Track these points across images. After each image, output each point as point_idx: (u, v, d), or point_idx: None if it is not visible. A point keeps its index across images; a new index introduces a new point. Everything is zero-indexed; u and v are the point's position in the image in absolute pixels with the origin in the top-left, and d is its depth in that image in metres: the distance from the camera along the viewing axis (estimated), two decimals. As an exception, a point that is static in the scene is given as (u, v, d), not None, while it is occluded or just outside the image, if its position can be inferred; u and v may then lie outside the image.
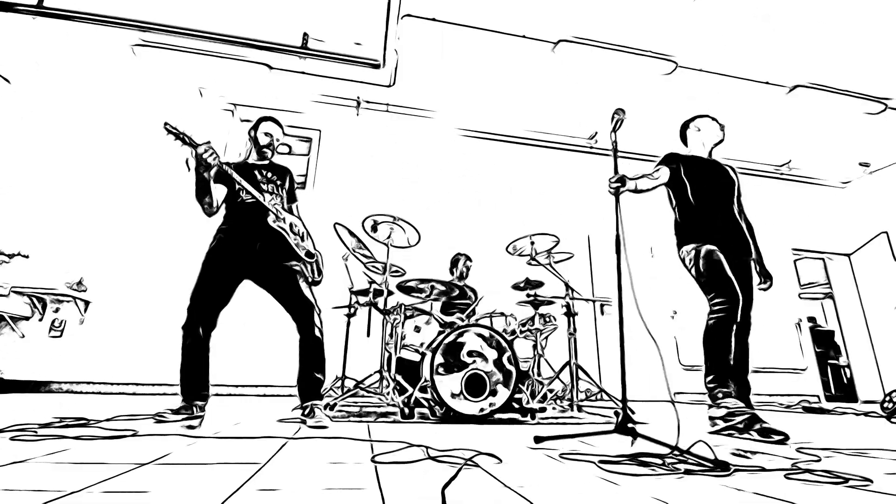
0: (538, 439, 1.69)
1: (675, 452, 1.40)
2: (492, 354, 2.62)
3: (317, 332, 2.28)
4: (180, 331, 2.17)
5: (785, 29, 4.23)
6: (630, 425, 1.61)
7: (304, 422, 2.15)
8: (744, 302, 2.27)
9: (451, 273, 4.25)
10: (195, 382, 2.18)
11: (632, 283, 1.79)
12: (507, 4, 4.12)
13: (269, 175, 2.46)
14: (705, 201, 2.44)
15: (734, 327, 2.18)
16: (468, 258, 4.25)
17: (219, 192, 2.27)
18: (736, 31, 4.29)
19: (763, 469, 1.32)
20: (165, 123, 2.05)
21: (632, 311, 1.77)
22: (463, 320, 2.96)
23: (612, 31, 4.36)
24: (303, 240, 2.44)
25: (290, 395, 2.42)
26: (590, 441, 1.83)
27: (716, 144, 2.64)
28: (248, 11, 4.15)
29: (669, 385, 1.85)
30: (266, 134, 2.48)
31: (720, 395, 2.16)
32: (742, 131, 5.85)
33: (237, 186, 2.28)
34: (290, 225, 2.39)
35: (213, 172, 2.14)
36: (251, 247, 2.29)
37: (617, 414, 1.58)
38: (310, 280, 2.41)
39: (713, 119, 2.67)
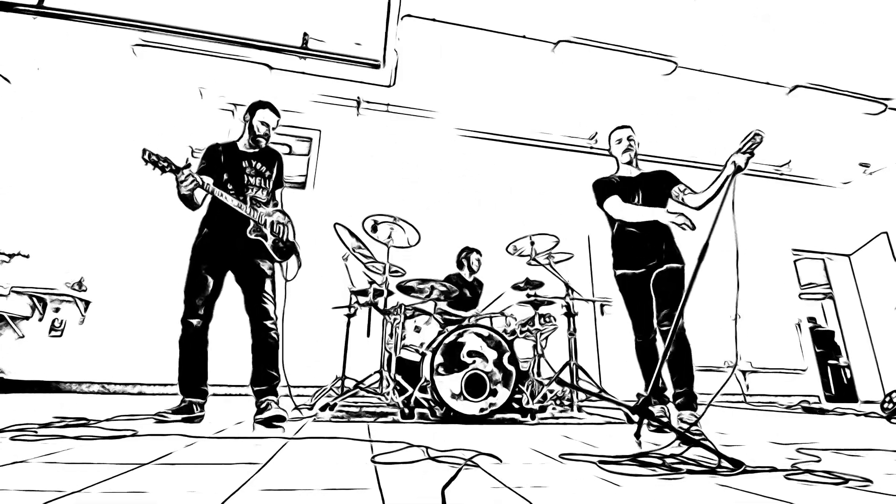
0: (559, 380, 1.69)
1: (678, 454, 1.40)
2: (492, 355, 2.62)
3: (270, 336, 2.30)
4: (179, 326, 2.19)
5: (785, 29, 4.23)
6: (650, 408, 1.60)
7: (261, 423, 2.08)
8: (669, 308, 2.35)
9: (460, 268, 4.21)
10: (193, 376, 2.19)
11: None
12: (507, 4, 4.12)
13: (258, 165, 2.44)
14: (632, 224, 2.52)
15: (654, 345, 2.46)
16: (476, 251, 4.21)
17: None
18: (736, 31, 4.29)
19: (763, 469, 1.32)
20: (144, 150, 2.04)
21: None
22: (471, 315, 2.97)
23: (612, 32, 4.36)
24: (281, 238, 2.41)
25: (290, 396, 2.42)
26: (591, 441, 1.83)
27: (633, 153, 2.68)
28: (248, 11, 4.15)
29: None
30: (263, 123, 2.44)
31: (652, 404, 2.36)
32: (742, 132, 5.85)
33: (224, 178, 2.31)
34: (271, 224, 2.38)
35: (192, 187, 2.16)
36: (233, 242, 2.30)
37: (639, 396, 1.59)
38: (286, 278, 2.44)
39: (616, 129, 2.73)
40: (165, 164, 2.05)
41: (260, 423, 2.08)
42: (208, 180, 2.23)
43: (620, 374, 4.73)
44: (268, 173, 2.45)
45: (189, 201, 2.20)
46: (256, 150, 2.47)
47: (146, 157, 2.03)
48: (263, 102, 2.48)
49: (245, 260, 2.33)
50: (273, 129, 2.48)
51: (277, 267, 2.45)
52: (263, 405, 2.18)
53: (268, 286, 2.35)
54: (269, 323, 2.30)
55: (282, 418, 2.09)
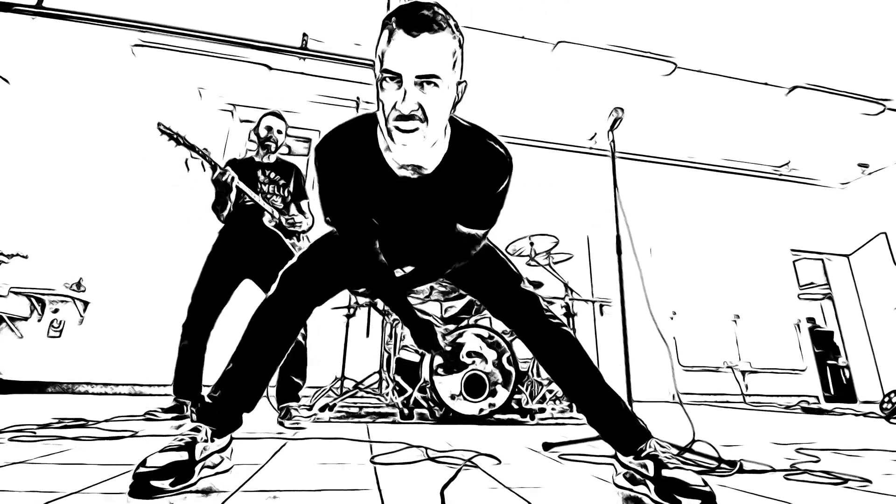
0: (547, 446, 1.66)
1: (682, 454, 1.40)
2: (491, 355, 2.62)
3: (299, 337, 2.29)
4: (180, 328, 2.21)
5: (785, 29, 4.23)
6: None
7: (281, 423, 2.11)
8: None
9: None
10: (188, 381, 2.22)
11: (643, 283, 1.78)
12: (507, 4, 4.12)
13: (272, 175, 2.49)
14: None
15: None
16: None
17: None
18: (736, 31, 4.29)
19: (763, 470, 1.32)
20: (159, 124, 2.12)
21: (636, 312, 1.76)
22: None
23: (612, 32, 4.36)
24: (299, 240, 2.44)
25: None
26: (591, 442, 1.83)
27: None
28: (248, 12, 4.15)
29: (677, 385, 1.84)
30: (266, 128, 2.51)
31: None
32: (741, 132, 5.85)
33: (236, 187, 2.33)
34: (289, 223, 2.40)
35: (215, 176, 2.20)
36: (249, 247, 2.32)
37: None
38: None
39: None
40: (180, 139, 2.13)
41: (284, 426, 2.09)
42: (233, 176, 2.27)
43: (620, 374, 4.73)
44: (282, 182, 2.50)
45: (220, 200, 2.26)
46: (271, 160, 2.54)
47: (160, 128, 2.12)
48: (268, 111, 2.60)
49: (265, 259, 2.31)
50: (280, 132, 2.55)
51: None
52: (283, 412, 2.19)
53: None
54: None
55: (301, 429, 2.05)
